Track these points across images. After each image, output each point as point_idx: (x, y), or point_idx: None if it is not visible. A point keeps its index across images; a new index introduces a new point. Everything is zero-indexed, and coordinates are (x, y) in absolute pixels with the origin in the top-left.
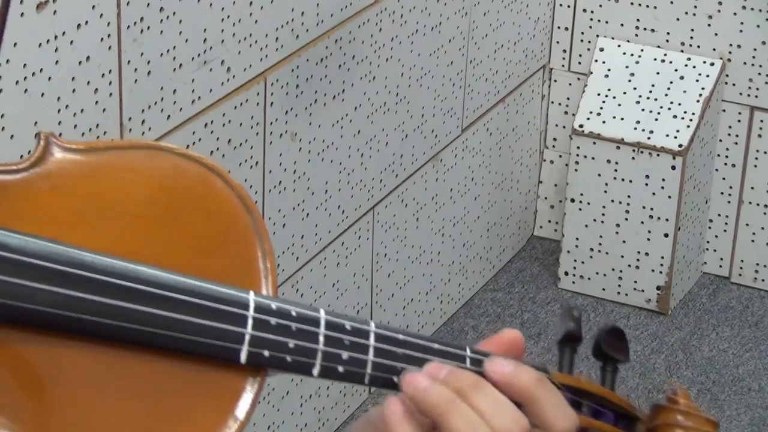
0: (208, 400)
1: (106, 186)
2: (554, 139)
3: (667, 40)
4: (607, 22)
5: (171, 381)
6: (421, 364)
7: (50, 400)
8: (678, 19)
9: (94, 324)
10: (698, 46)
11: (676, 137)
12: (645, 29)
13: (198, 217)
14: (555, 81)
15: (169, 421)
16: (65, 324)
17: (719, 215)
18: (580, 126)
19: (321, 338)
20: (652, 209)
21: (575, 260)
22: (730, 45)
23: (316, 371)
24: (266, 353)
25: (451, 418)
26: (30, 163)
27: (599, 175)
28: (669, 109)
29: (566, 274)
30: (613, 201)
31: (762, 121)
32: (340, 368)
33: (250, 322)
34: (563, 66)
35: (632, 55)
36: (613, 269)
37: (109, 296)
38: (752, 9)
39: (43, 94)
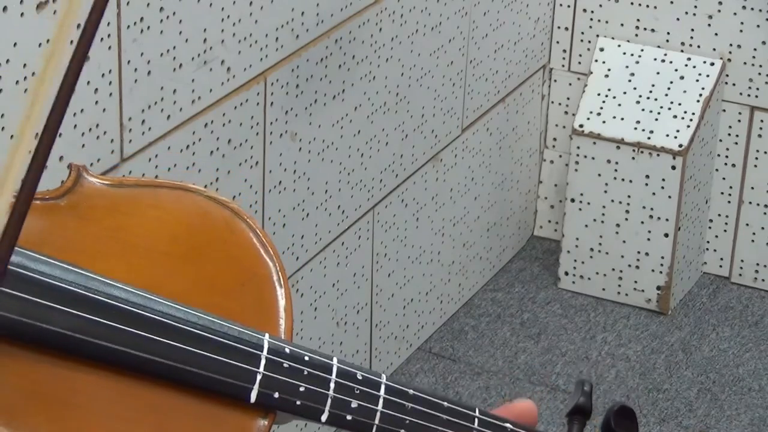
0: None
1: (132, 221)
2: (554, 139)
3: (667, 40)
4: (607, 22)
5: (179, 414)
6: (429, 420)
7: (60, 423)
8: (678, 19)
9: (108, 351)
10: (698, 46)
11: (676, 137)
12: (645, 29)
13: (219, 258)
14: (555, 81)
15: None
16: (81, 348)
17: (719, 215)
18: (580, 126)
19: (332, 385)
20: (652, 209)
21: (575, 260)
22: (730, 45)
23: (324, 417)
24: (276, 395)
25: None
26: (60, 193)
27: (599, 175)
28: (669, 109)
29: (566, 274)
30: (613, 201)
31: (762, 121)
32: (349, 417)
33: (262, 362)
34: (563, 66)
35: (632, 55)
36: (613, 269)
37: (125, 324)
38: (752, 9)
39: None
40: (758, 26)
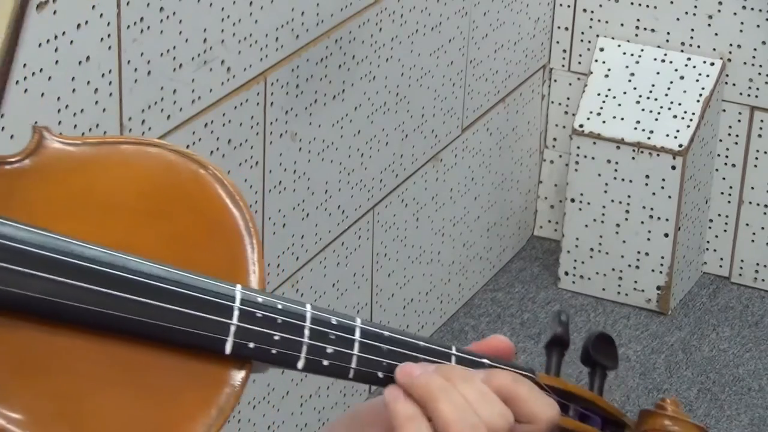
0: (193, 390)
1: (97, 179)
2: (554, 139)
3: (667, 40)
4: (607, 22)
5: (157, 370)
6: (406, 360)
7: (40, 387)
8: (678, 19)
9: (83, 312)
10: (698, 46)
11: (676, 137)
12: (645, 29)
13: (187, 212)
14: (555, 81)
15: (155, 409)
16: (54, 311)
17: (719, 215)
18: (580, 126)
19: (306, 332)
20: (652, 209)
21: (575, 260)
22: (730, 45)
23: (300, 364)
24: (251, 345)
25: (441, 403)
26: (23, 155)
27: (599, 175)
28: (669, 109)
29: (566, 274)
30: (613, 201)
31: (762, 121)
32: (325, 362)
33: (236, 313)
34: (563, 66)
35: (632, 55)
36: (613, 269)
37: (96, 284)
38: (752, 9)
39: (43, 94)
40: (758, 26)
